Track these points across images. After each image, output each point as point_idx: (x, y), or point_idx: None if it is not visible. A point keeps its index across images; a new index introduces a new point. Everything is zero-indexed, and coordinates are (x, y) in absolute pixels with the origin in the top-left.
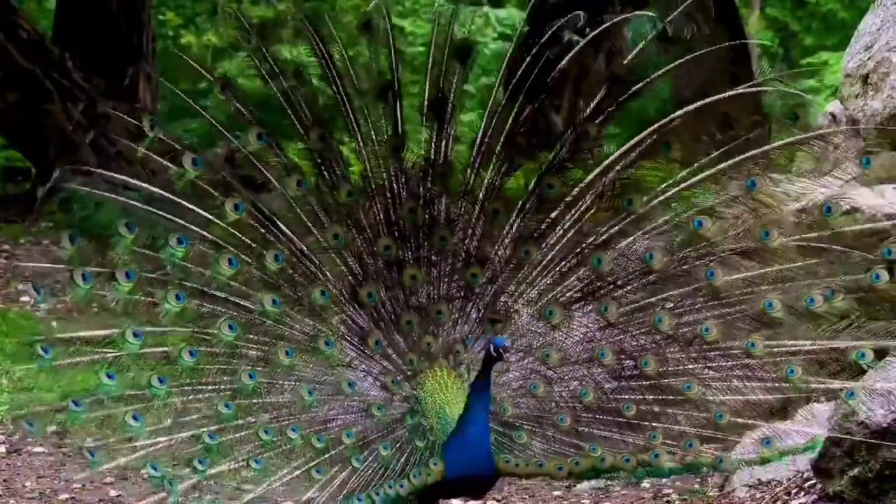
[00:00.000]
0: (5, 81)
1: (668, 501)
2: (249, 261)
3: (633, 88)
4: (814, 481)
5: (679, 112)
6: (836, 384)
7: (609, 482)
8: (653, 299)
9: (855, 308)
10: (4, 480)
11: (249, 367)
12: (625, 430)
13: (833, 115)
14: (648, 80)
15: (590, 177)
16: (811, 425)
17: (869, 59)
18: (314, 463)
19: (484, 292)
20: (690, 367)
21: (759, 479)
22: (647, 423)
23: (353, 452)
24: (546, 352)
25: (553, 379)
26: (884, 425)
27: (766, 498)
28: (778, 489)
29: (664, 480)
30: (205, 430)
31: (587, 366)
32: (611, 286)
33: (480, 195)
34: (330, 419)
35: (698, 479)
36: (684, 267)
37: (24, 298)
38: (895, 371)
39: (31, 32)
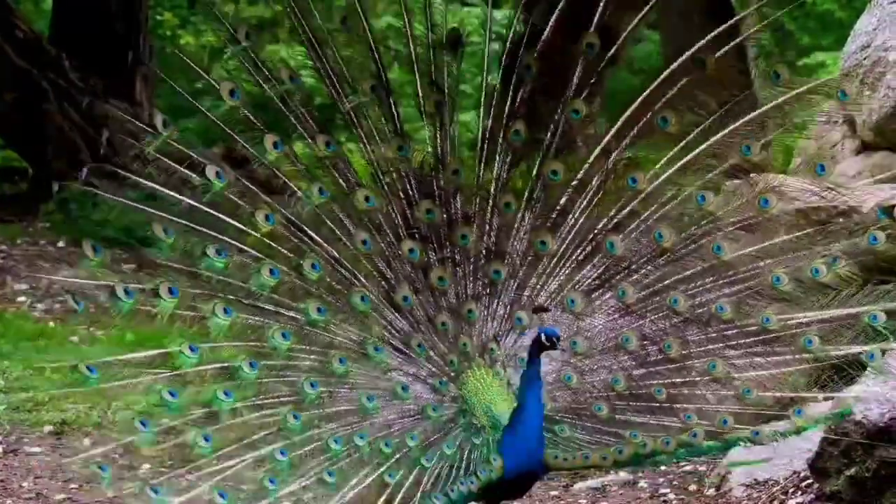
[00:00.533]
0: (2, 81)
1: (664, 501)
2: (288, 270)
3: (609, 54)
4: (810, 481)
5: (664, 74)
6: (855, 349)
7: (606, 483)
8: (667, 281)
9: (857, 274)
10: (1, 481)
11: (309, 377)
12: (660, 414)
13: (829, 115)
14: (619, 41)
15: (591, 157)
16: (839, 391)
17: (865, 58)
18: (384, 468)
19: (508, 287)
20: (711, 347)
21: (755, 479)
22: (679, 406)
23: (419, 454)
24: (574, 341)
25: (584, 369)
26: (880, 425)
27: (762, 497)
28: (775, 489)
29: (660, 480)
30: (274, 446)
31: (614, 353)
32: (626, 270)
33: (492, 189)
34: (390, 423)
35: (696, 479)
36: (692, 245)
37: (21, 299)
38: (891, 370)
39: (28, 32)
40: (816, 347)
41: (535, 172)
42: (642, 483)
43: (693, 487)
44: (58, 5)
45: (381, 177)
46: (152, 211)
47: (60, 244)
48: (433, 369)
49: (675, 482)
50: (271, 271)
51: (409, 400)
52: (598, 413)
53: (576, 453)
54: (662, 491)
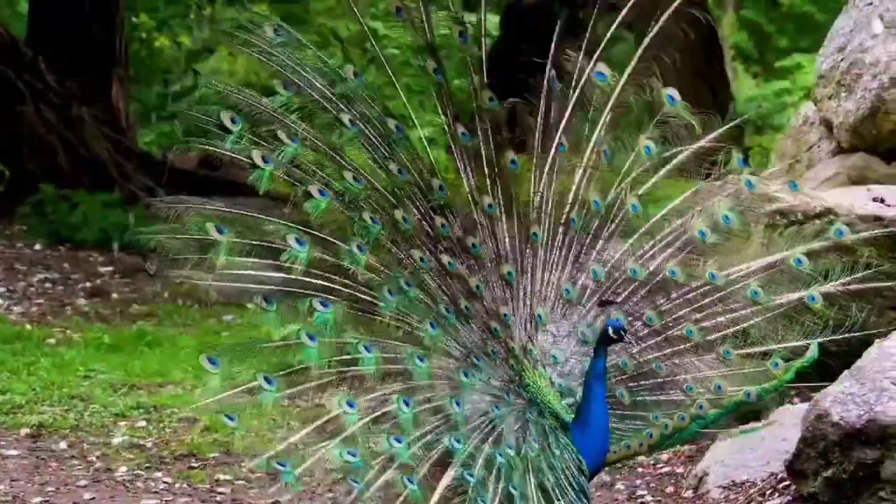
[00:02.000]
0: None
1: (642, 503)
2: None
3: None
4: (788, 482)
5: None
6: (795, 295)
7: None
8: (619, 253)
9: (748, 222)
10: None
11: (453, 396)
12: (667, 389)
13: (806, 116)
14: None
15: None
16: (806, 338)
17: (842, 60)
18: (540, 476)
19: (522, 286)
20: (681, 313)
21: (733, 481)
22: (679, 378)
23: (540, 454)
24: (581, 330)
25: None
26: (857, 426)
27: (740, 499)
28: (752, 490)
29: (638, 482)
30: (462, 470)
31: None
32: (588, 245)
33: (475, 194)
34: (514, 431)
35: (673, 481)
36: (619, 211)
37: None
38: (868, 372)
39: (4, 35)
40: (763, 298)
41: (494, 167)
42: (619, 485)
43: (670, 489)
44: (34, 8)
45: (399, 198)
46: (253, 286)
47: (37, 247)
48: (511, 375)
49: (652, 484)
50: (390, 291)
51: (513, 407)
52: (622, 399)
53: (619, 444)
54: (640, 493)
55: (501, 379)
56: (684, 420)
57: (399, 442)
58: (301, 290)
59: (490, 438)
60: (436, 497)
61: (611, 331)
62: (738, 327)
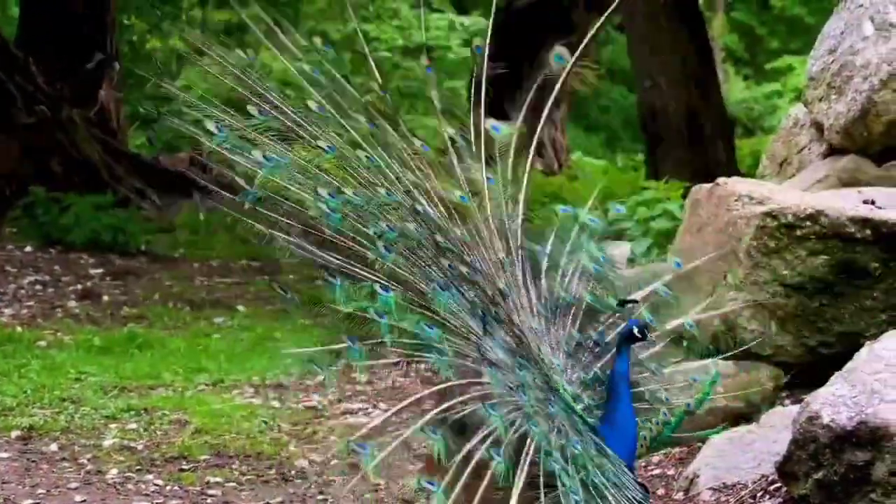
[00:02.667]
0: None
1: None
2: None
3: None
4: (779, 485)
5: None
6: (676, 322)
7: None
8: (546, 280)
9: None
10: None
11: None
12: (636, 399)
13: (797, 118)
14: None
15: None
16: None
17: (833, 62)
18: (602, 484)
19: (513, 300)
20: (612, 334)
21: (724, 483)
22: (639, 389)
23: (596, 453)
24: (566, 340)
25: (586, 363)
26: (848, 428)
27: (730, 501)
28: (743, 493)
29: None
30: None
31: (582, 350)
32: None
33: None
34: (570, 428)
35: (664, 483)
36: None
37: None
38: (859, 374)
39: None
40: (657, 324)
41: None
42: None
43: (661, 491)
44: (25, 9)
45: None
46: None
47: (28, 249)
48: (545, 378)
49: None
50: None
51: (560, 406)
52: None
53: None
54: None
55: (542, 380)
56: (658, 425)
57: (495, 410)
58: (359, 271)
59: (555, 432)
60: (522, 476)
61: (635, 330)
62: (653, 349)
